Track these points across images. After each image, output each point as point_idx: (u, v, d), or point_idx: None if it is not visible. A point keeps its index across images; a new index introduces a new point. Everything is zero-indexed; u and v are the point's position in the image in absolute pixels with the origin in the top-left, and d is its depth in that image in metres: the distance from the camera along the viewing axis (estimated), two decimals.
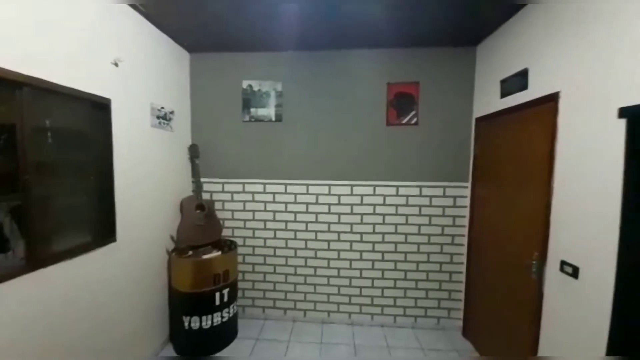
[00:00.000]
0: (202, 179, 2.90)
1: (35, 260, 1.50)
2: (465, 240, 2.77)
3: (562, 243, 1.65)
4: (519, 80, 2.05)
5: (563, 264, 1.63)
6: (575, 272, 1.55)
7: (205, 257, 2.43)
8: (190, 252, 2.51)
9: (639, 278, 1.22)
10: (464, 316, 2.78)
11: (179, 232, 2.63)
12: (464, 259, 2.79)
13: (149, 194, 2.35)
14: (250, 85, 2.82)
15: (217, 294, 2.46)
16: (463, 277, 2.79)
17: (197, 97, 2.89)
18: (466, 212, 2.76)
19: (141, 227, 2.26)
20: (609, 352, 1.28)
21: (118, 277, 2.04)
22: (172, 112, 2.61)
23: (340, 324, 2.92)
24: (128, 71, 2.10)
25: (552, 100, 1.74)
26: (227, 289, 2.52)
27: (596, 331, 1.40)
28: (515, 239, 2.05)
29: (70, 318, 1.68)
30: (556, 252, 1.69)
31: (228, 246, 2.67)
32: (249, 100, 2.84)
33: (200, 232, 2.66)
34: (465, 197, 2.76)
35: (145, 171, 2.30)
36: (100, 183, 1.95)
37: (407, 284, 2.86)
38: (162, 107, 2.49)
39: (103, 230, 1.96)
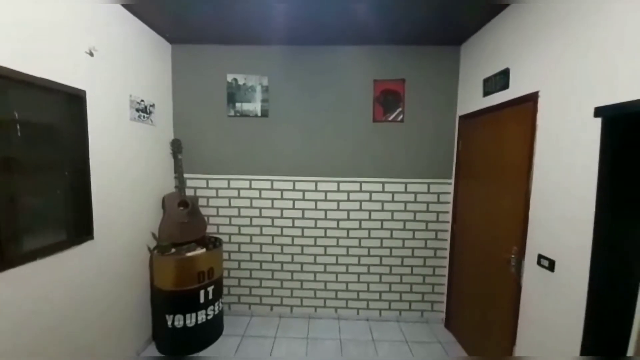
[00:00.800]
0: (186, 175, 2.82)
1: (4, 260, 1.42)
2: (448, 235, 2.84)
3: (539, 238, 1.72)
4: (501, 80, 2.10)
5: (540, 257, 1.69)
6: (551, 265, 1.62)
7: (188, 254, 2.37)
8: (173, 250, 2.45)
9: (611, 271, 1.29)
10: (446, 309, 2.87)
11: (161, 229, 2.56)
12: (447, 253, 2.86)
13: (129, 190, 2.27)
14: (235, 79, 2.76)
15: (202, 292, 2.42)
16: (446, 271, 2.87)
17: (179, 91, 2.80)
18: (449, 208, 2.82)
19: (121, 224, 2.19)
20: (585, 337, 1.35)
21: (97, 276, 1.97)
22: (152, 106, 2.52)
23: (326, 319, 2.94)
24: (105, 61, 2.01)
25: (531, 100, 1.80)
26: (212, 287, 2.49)
27: (571, 320, 1.48)
28: (496, 234, 2.12)
29: (46, 318, 1.61)
30: (534, 246, 1.76)
31: (213, 243, 2.62)
32: (233, 94, 2.77)
33: (183, 229, 2.60)
34: (449, 193, 2.82)
35: (125, 166, 2.22)
36: (76, 179, 1.86)
37: (392, 279, 2.91)
38: (142, 100, 2.39)
39: (79, 228, 1.87)
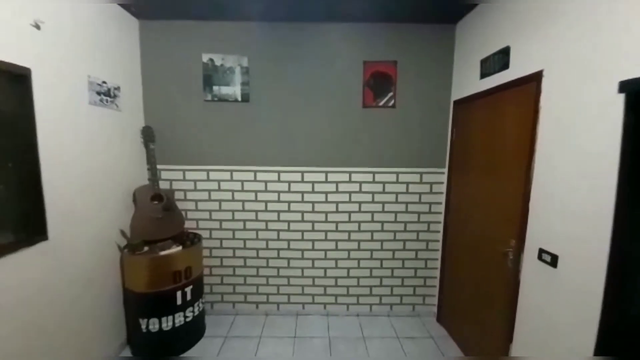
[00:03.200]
0: (160, 166, 2.58)
1: None
2: (440, 227, 2.72)
3: (540, 231, 1.60)
4: (500, 59, 1.93)
5: (541, 252, 1.58)
6: (554, 261, 1.50)
7: (163, 253, 2.17)
8: (146, 248, 2.24)
9: (634, 269, 1.16)
10: (438, 302, 2.78)
11: (132, 226, 2.33)
12: (439, 245, 2.75)
13: (92, 183, 2.03)
14: (211, 60, 2.50)
15: (179, 293, 2.23)
16: (438, 264, 2.77)
17: (149, 73, 2.53)
18: (442, 198, 2.69)
19: (83, 222, 1.96)
20: (599, 343, 1.24)
21: (56, 279, 1.76)
22: (117, 89, 2.25)
23: (315, 315, 2.82)
24: (55, 37, 1.74)
25: (534, 80, 1.64)
26: (191, 287, 2.30)
27: (575, 319, 1.37)
28: (492, 227, 2.00)
29: None
30: (534, 240, 1.64)
31: (191, 240, 2.42)
32: (210, 76, 2.52)
33: (157, 225, 2.38)
34: (442, 183, 2.69)
35: (85, 157, 1.97)
36: (23, 171, 1.61)
37: (382, 273, 2.80)
38: (104, 82, 2.12)
39: (29, 227, 1.64)
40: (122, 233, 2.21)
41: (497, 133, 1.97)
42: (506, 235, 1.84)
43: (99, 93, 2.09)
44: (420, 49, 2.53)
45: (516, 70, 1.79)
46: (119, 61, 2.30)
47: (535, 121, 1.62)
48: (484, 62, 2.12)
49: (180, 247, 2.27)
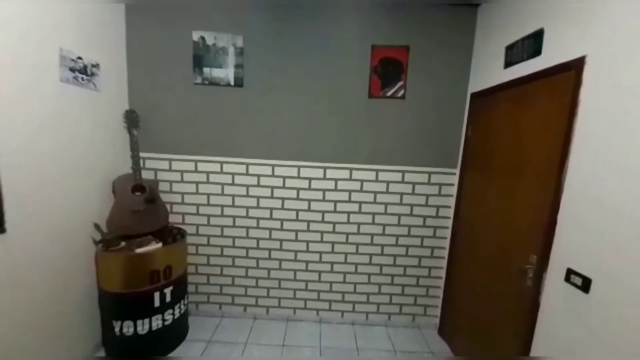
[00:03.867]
0: (144, 154, 2.37)
1: None
2: (448, 233, 2.48)
3: (570, 248, 1.35)
4: (531, 45, 1.66)
5: (570, 273, 1.33)
6: (585, 285, 1.26)
7: (139, 250, 1.97)
8: (123, 244, 2.04)
9: None
10: (441, 314, 2.55)
11: (110, 218, 2.13)
12: (445, 253, 2.51)
13: (63, 172, 1.83)
14: (202, 38, 2.26)
15: (157, 294, 2.04)
16: (443, 273, 2.53)
17: (135, 50, 2.29)
18: (451, 202, 2.44)
19: (52, 213, 1.76)
20: None
21: (20, 277, 1.57)
22: (96, 66, 2.02)
23: (307, 322, 2.61)
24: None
25: (573, 68, 1.37)
26: (170, 288, 2.11)
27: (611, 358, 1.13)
28: (509, 238, 1.75)
29: None
30: (561, 257, 1.39)
31: (173, 236, 2.22)
32: (201, 57, 2.28)
33: (138, 218, 2.18)
34: (452, 185, 2.43)
35: (55, 141, 1.76)
36: None
37: (382, 279, 2.57)
38: (79, 58, 1.90)
39: None
40: (96, 226, 2.01)
41: (522, 131, 1.70)
42: (526, 249, 1.60)
43: (72, 70, 1.86)
44: (437, 33, 2.25)
45: (550, 57, 1.52)
46: (100, 36, 2.06)
47: (572, 117, 1.36)
48: (509, 48, 1.84)
49: (159, 244, 2.07)
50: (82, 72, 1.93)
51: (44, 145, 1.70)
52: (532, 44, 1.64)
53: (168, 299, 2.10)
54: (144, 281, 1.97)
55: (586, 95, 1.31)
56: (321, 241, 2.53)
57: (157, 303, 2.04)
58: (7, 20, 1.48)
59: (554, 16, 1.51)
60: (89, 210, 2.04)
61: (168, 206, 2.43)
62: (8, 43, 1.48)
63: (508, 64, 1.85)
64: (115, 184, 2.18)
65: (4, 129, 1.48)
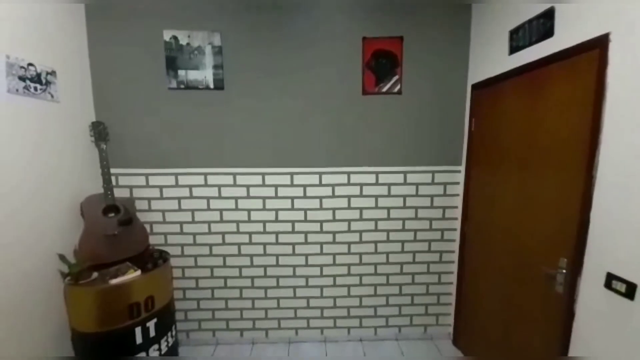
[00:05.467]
0: (116, 170, 2.11)
1: None
2: (457, 235, 2.31)
3: (609, 250, 1.19)
4: (540, 26, 1.50)
5: (611, 277, 1.17)
6: (630, 291, 1.09)
7: (114, 281, 1.71)
8: (95, 275, 1.78)
9: None
10: (454, 323, 2.37)
11: (79, 247, 1.86)
12: (454, 257, 2.34)
13: (19, 198, 1.56)
14: (174, 38, 2.02)
15: (139, 330, 1.77)
16: (454, 278, 2.36)
17: (99, 55, 2.04)
18: (458, 201, 2.28)
19: (8, 249, 1.49)
20: None
21: None
22: (51, 73, 1.76)
23: (310, 343, 2.39)
24: None
25: (596, 47, 1.22)
26: (154, 320, 1.85)
27: None
28: (530, 239, 1.59)
29: None
30: (598, 261, 1.23)
31: (154, 261, 1.96)
32: (174, 58, 2.04)
33: (112, 244, 1.92)
34: (458, 183, 2.27)
35: (5, 164, 1.50)
36: None
37: (389, 290, 2.38)
38: (30, 65, 1.64)
39: None
40: (61, 258, 1.73)
41: (537, 121, 1.54)
42: (553, 252, 1.43)
43: (23, 79, 1.60)
44: (430, 21, 2.09)
45: (566, 37, 1.37)
46: (55, 39, 1.81)
47: (599, 102, 1.20)
48: (514, 32, 1.69)
49: (138, 272, 1.81)
50: (34, 81, 1.67)
51: None
52: (542, 25, 1.49)
53: (152, 333, 1.84)
54: (122, 316, 1.71)
55: (614, 79, 1.15)
56: (321, 253, 2.32)
57: (139, 340, 1.78)
58: None
59: None
60: (54, 239, 1.77)
61: (147, 226, 2.17)
62: None
63: (514, 49, 1.70)
64: (83, 207, 1.91)
65: None
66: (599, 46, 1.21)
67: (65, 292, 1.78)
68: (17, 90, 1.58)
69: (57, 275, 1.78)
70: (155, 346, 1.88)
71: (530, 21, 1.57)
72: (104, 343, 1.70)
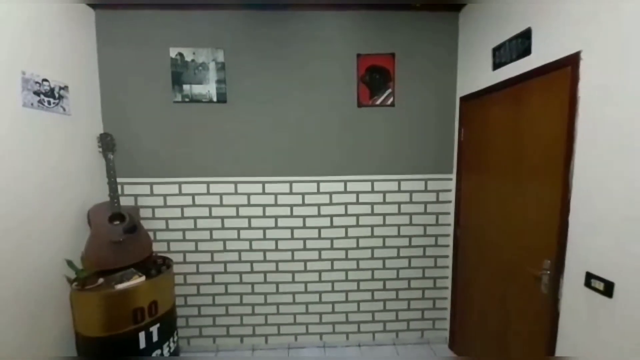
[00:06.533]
0: (122, 180, 2.20)
1: None
2: (450, 241, 2.39)
3: (586, 250, 1.28)
4: (519, 45, 1.64)
5: (590, 277, 1.25)
6: (608, 289, 1.18)
7: (119, 287, 1.77)
8: (101, 281, 1.84)
9: None
10: (450, 327, 2.43)
11: (86, 253, 1.93)
12: (449, 262, 2.41)
13: (31, 205, 1.64)
14: (180, 54, 2.15)
15: (142, 334, 1.82)
16: (449, 283, 2.43)
17: (108, 70, 2.16)
18: (451, 208, 2.37)
19: (17, 253, 1.56)
20: None
21: None
22: (64, 88, 1.87)
23: (310, 348, 2.43)
24: None
25: (568, 64, 1.34)
26: (157, 325, 1.90)
27: None
28: (517, 243, 1.68)
29: None
30: (578, 261, 1.31)
31: (157, 267, 2.02)
32: (180, 74, 2.16)
33: (117, 251, 1.98)
34: (450, 190, 2.37)
35: (19, 173, 1.58)
36: None
37: (386, 295, 2.44)
38: (45, 80, 1.75)
39: None
40: (69, 263, 1.80)
41: (520, 131, 1.66)
42: (538, 254, 1.52)
43: (37, 93, 1.71)
44: (421, 39, 2.23)
45: (541, 55, 1.50)
46: (68, 56, 1.93)
47: (572, 114, 1.32)
48: (497, 50, 1.83)
49: (142, 278, 1.87)
50: (49, 95, 1.78)
51: (5, 178, 1.51)
52: (521, 44, 1.62)
53: (155, 338, 1.89)
54: (127, 321, 1.77)
55: (585, 93, 1.27)
56: (319, 259, 2.38)
57: (142, 344, 1.83)
58: None
59: (541, 14, 1.50)
60: (61, 245, 1.84)
61: (151, 234, 2.24)
62: None
63: (497, 65, 1.83)
64: (90, 214, 1.99)
65: None
66: (571, 63, 1.33)
67: (71, 297, 1.84)
68: (32, 104, 1.68)
69: (63, 280, 1.84)
70: (158, 351, 1.92)
71: (510, 40, 1.71)
72: (108, 347, 1.75)
